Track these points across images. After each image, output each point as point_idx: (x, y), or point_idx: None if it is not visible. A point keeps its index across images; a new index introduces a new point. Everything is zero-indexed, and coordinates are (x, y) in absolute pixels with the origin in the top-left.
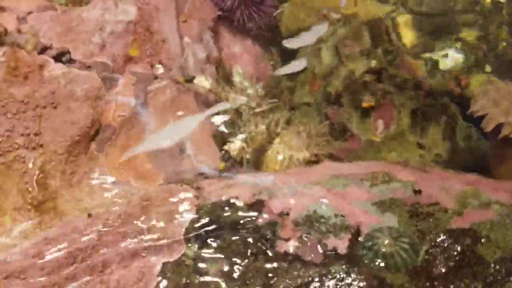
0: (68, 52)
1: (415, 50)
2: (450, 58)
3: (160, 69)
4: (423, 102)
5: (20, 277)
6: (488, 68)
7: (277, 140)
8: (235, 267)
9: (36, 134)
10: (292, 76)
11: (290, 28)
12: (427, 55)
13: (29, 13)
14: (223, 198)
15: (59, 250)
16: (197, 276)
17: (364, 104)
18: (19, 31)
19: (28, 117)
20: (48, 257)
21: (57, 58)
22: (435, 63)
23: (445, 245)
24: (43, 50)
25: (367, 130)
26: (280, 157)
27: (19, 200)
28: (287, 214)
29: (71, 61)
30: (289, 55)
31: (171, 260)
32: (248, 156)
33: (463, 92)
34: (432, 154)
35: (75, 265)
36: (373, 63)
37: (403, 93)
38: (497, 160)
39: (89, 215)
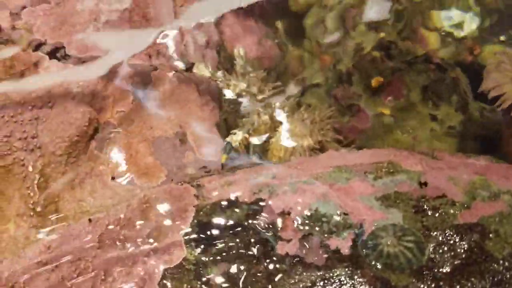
0: (63, 47)
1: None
2: (466, 21)
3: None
4: (434, 77)
5: (25, 287)
6: (502, 37)
7: (280, 128)
8: (237, 270)
9: (33, 137)
10: (297, 43)
11: (300, 1)
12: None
13: (23, 7)
14: (223, 198)
15: (62, 258)
16: (199, 282)
17: (373, 83)
18: (13, 27)
19: (25, 119)
20: (52, 266)
21: (52, 53)
22: (449, 32)
23: (452, 242)
24: (38, 46)
25: (376, 104)
26: (284, 146)
27: (22, 206)
28: (288, 213)
29: (66, 57)
30: (294, 29)
31: (171, 266)
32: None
33: (476, 60)
34: (445, 126)
35: (77, 273)
36: (382, 35)
37: (412, 69)
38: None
39: (90, 221)
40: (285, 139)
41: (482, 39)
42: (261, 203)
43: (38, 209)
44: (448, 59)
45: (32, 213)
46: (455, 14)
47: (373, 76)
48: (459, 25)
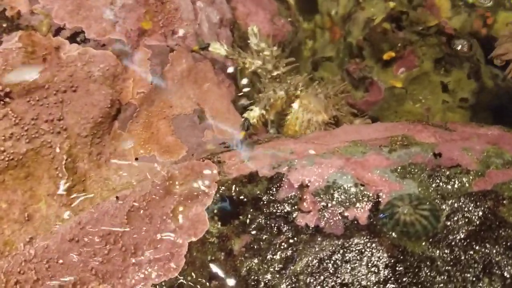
0: (82, 32)
1: None
2: None
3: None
4: (446, 51)
5: (58, 262)
6: None
7: (295, 103)
8: (259, 242)
9: (59, 119)
10: (309, 17)
11: None
12: None
13: None
14: (244, 173)
15: (93, 234)
16: (222, 253)
17: (385, 56)
18: (31, 12)
19: (51, 103)
20: (84, 242)
21: (72, 38)
22: None
23: (466, 209)
24: (57, 31)
25: (388, 76)
26: (299, 121)
27: (51, 186)
28: (307, 186)
29: (85, 41)
30: (307, 4)
31: (195, 239)
32: (272, 117)
33: (489, 33)
34: (457, 99)
35: (108, 248)
36: (392, 5)
37: (425, 41)
38: None
39: (117, 198)
40: (299, 115)
41: (494, 4)
42: (281, 177)
43: (67, 188)
44: (460, 29)
45: (61, 193)
46: None
47: (385, 49)
48: None
